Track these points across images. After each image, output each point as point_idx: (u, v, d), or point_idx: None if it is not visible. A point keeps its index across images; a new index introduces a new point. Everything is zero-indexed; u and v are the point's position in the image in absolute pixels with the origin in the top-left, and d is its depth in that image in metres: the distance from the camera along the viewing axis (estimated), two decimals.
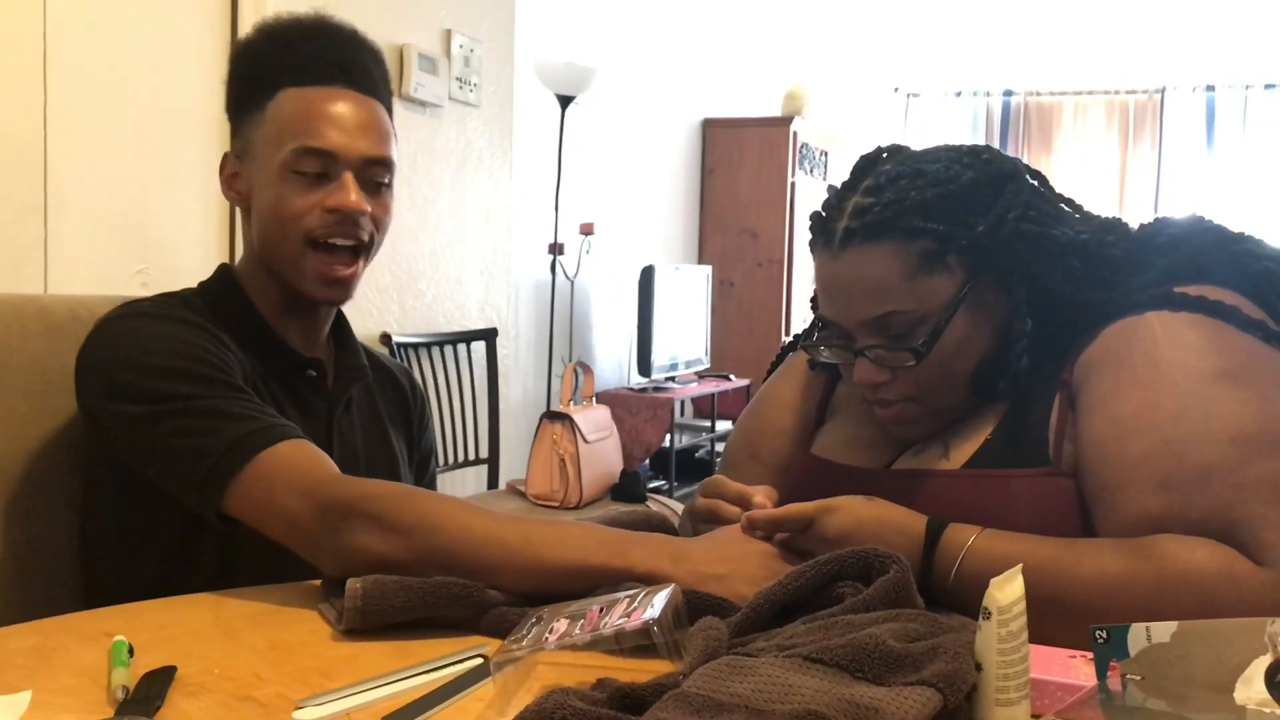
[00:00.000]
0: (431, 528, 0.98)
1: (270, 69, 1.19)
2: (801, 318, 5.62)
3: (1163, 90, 6.67)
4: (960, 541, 0.96)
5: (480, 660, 0.87)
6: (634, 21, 4.78)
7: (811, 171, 5.91)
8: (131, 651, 0.84)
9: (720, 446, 4.93)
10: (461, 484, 3.54)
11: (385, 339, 3.12)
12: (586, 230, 4.27)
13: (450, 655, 0.87)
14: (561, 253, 4.07)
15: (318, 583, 1.03)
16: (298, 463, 1.03)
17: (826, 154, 6.17)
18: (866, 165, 1.12)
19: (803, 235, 5.65)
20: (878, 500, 1.01)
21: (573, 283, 4.26)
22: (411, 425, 1.43)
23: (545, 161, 4.08)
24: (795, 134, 5.59)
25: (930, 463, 1.10)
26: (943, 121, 7.07)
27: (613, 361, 4.76)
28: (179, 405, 1.05)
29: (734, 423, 4.95)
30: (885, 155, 1.12)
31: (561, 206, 4.03)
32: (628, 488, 3.28)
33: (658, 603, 0.81)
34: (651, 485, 4.04)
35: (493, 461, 3.47)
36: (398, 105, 3.25)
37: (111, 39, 2.31)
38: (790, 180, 5.56)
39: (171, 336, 1.10)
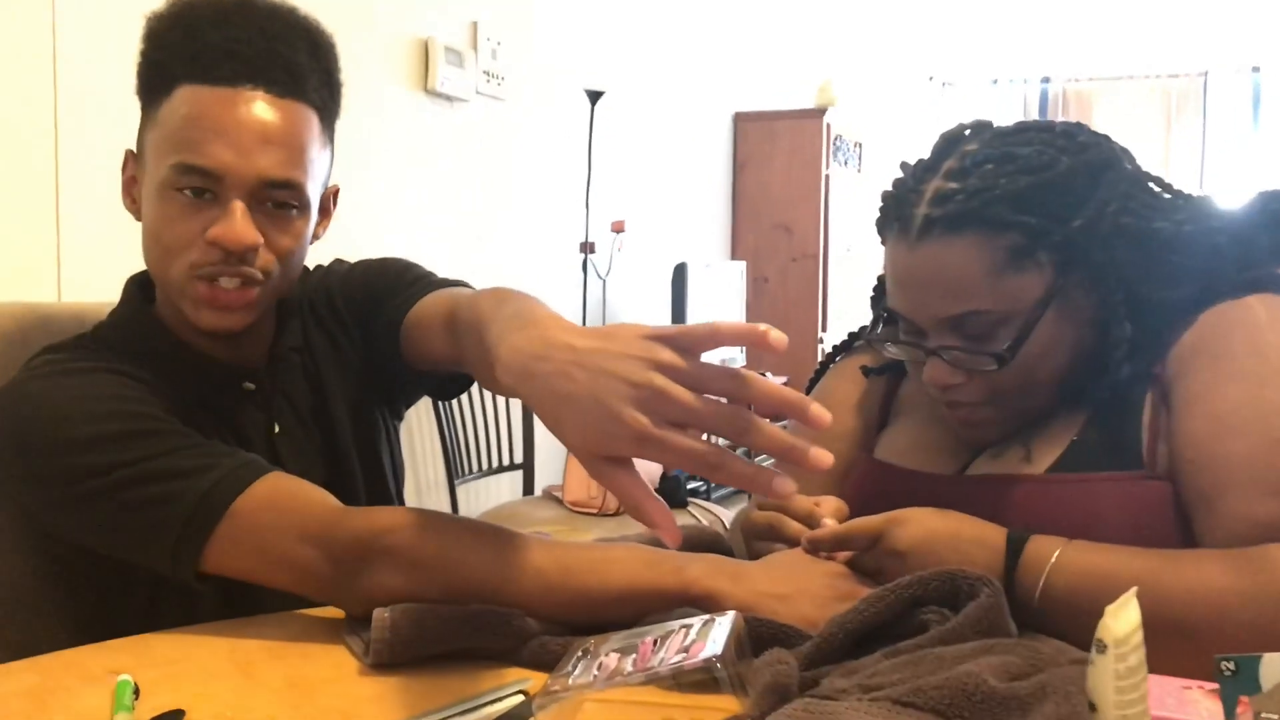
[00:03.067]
0: (458, 562, 0.88)
1: (170, 58, 0.99)
2: (838, 313, 5.51)
3: (1206, 73, 6.49)
4: (1046, 555, 0.86)
5: (522, 698, 0.78)
6: (663, 15, 4.68)
7: (845, 164, 5.79)
8: (137, 692, 0.76)
9: None
10: (496, 491, 3.47)
11: None
12: (618, 228, 4.18)
13: (488, 693, 0.78)
14: (593, 251, 3.99)
15: (343, 613, 0.95)
16: (282, 504, 0.92)
17: (860, 146, 6.05)
18: (948, 145, 1.02)
19: (838, 230, 5.58)
20: (950, 512, 0.92)
21: (604, 281, 4.18)
22: (350, 346, 1.18)
23: (575, 158, 3.99)
24: (828, 126, 5.47)
25: (1010, 467, 1.00)
26: (979, 110, 6.91)
27: None
28: (120, 476, 0.90)
29: (772, 421, 4.86)
30: (969, 133, 1.02)
31: (592, 204, 3.94)
32: (668, 492, 3.19)
33: (718, 634, 0.72)
34: (690, 486, 3.95)
35: (528, 467, 3.39)
36: (423, 100, 3.19)
37: (124, 41, 2.25)
38: (824, 173, 5.44)
39: (84, 396, 0.94)
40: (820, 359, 1.29)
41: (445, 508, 2.63)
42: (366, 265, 1.21)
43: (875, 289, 1.14)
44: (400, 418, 1.29)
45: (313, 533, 0.90)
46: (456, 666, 0.84)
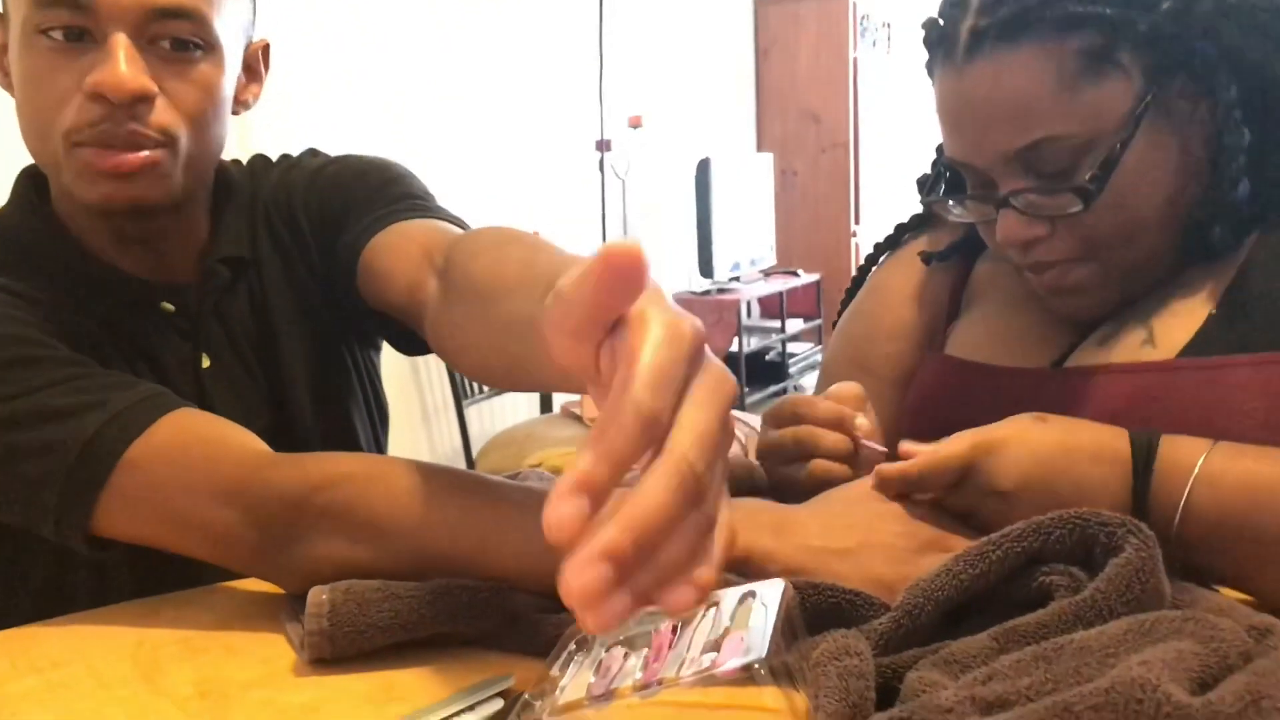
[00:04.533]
0: (418, 525, 0.67)
1: None
2: (871, 205, 5.23)
3: None
4: (1187, 463, 0.65)
5: (500, 703, 0.58)
6: None
7: (875, 45, 5.45)
8: None
9: (793, 348, 4.62)
10: (510, 411, 3.27)
11: None
12: (635, 124, 3.92)
13: (456, 697, 0.59)
14: (609, 149, 3.74)
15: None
16: (191, 451, 0.71)
17: (889, 25, 5.69)
18: None
19: (870, 116, 5.27)
20: (1052, 418, 0.70)
21: (624, 182, 3.93)
22: (307, 266, 0.95)
23: (586, 49, 3.71)
24: (854, 6, 5.14)
25: (1126, 353, 0.78)
26: None
27: (672, 264, 4.43)
28: None
29: (804, 321, 4.58)
30: None
31: (606, 99, 3.67)
32: None
33: (761, 619, 0.51)
34: None
35: None
36: None
37: None
38: (852, 56, 5.13)
39: None
40: (865, 255, 1.06)
41: (452, 432, 2.43)
42: (343, 165, 0.96)
43: (936, 156, 0.92)
44: (378, 349, 1.06)
45: (229, 488, 0.70)
46: (418, 659, 0.64)
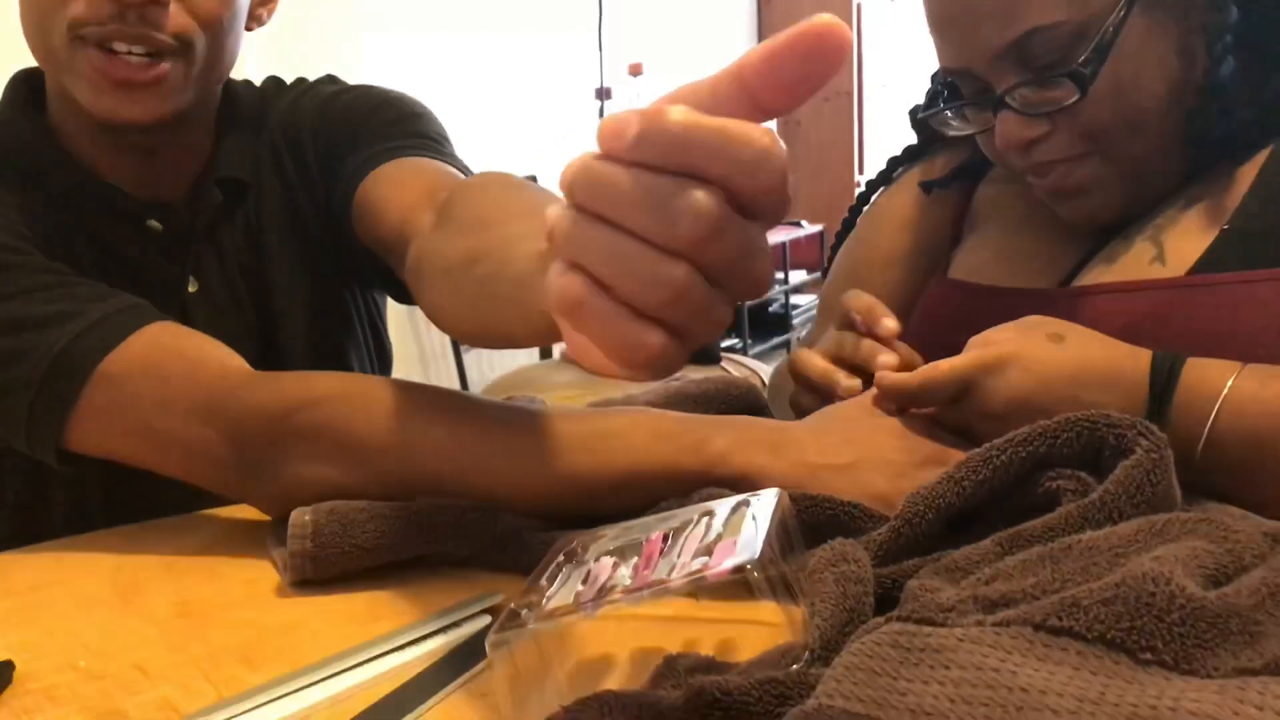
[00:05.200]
0: (402, 444, 0.65)
1: None
2: (875, 155, 5.17)
3: None
4: (1212, 387, 0.62)
5: (488, 619, 0.57)
6: None
7: None
8: None
9: (796, 300, 4.58)
10: (512, 354, 3.24)
11: None
12: (635, 71, 3.85)
13: (441, 614, 0.57)
14: (609, 98, 3.68)
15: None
16: (167, 365, 0.68)
17: None
18: None
19: (873, 65, 5.18)
20: (1070, 332, 0.67)
21: None
22: (309, 197, 0.91)
23: None
24: None
25: (1135, 270, 0.76)
26: None
27: None
28: None
29: (808, 272, 4.53)
30: None
31: (605, 46, 3.61)
32: (700, 349, 2.95)
33: (754, 525, 0.49)
34: (725, 345, 3.73)
35: None
36: None
37: None
38: (855, 3, 5.04)
39: None
40: (858, 194, 1.03)
41: (451, 377, 2.40)
42: (359, 94, 0.91)
43: (932, 84, 0.89)
44: (384, 293, 1.01)
45: (206, 405, 0.67)
46: (403, 579, 0.62)
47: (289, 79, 0.96)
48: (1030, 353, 0.65)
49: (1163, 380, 0.63)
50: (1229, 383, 0.61)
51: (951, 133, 0.83)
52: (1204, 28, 0.73)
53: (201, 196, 0.87)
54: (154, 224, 0.85)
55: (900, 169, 1.01)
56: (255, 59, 0.98)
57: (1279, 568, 0.43)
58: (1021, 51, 0.73)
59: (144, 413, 0.68)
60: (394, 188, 0.80)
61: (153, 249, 0.85)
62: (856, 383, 0.72)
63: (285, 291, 0.91)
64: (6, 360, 0.68)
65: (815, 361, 0.74)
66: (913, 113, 0.96)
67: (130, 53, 0.74)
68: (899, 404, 0.67)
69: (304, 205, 0.91)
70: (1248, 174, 0.76)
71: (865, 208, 1.03)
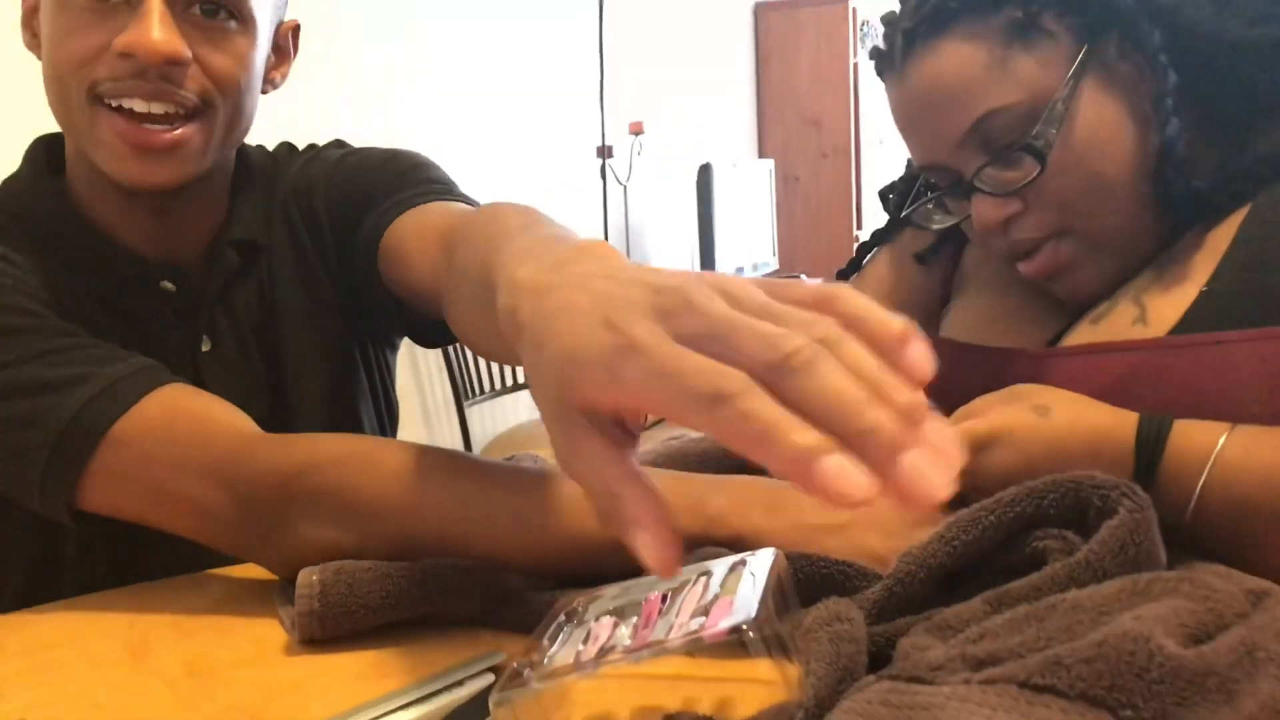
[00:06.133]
0: (407, 506, 0.67)
1: None
2: (873, 210, 5.23)
3: None
4: (1200, 451, 0.63)
5: (491, 677, 0.58)
6: None
7: None
8: None
9: None
10: (511, 412, 3.26)
11: None
12: (636, 130, 3.91)
13: (446, 673, 0.58)
14: (610, 155, 3.74)
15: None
16: (179, 427, 0.71)
17: None
18: None
19: (870, 121, 5.26)
20: (1055, 400, 0.68)
21: (625, 188, 3.93)
22: (321, 258, 0.93)
23: (586, 55, 3.72)
24: (854, 11, 5.14)
25: (1119, 330, 0.78)
26: None
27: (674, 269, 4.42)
28: None
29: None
30: None
31: (607, 105, 3.68)
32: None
33: (750, 586, 0.51)
34: None
35: None
36: None
37: None
38: (852, 61, 5.13)
39: None
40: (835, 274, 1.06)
41: (454, 433, 2.42)
42: (365, 155, 0.94)
43: (905, 170, 0.93)
44: (395, 349, 1.04)
45: (216, 466, 0.69)
46: (409, 638, 0.63)
47: (298, 141, 0.99)
48: (1017, 429, 0.67)
49: (1150, 446, 0.65)
50: (1217, 446, 0.63)
51: (936, 226, 0.87)
52: (1150, 94, 0.76)
53: (216, 259, 0.89)
54: (168, 285, 0.87)
55: (871, 253, 1.03)
56: (268, 121, 1.01)
57: (1259, 626, 0.44)
58: (982, 135, 0.77)
59: (156, 474, 0.70)
60: (416, 235, 0.82)
61: (167, 310, 0.87)
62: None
63: (298, 351, 0.93)
64: (23, 423, 0.70)
65: None
66: (883, 194, 1.00)
67: (150, 114, 0.77)
68: None
69: (316, 266, 0.93)
70: (1225, 234, 0.78)
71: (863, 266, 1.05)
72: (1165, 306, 0.76)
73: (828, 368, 0.35)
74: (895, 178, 1.00)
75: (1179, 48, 0.76)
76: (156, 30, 0.75)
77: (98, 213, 0.85)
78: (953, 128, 0.78)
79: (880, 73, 0.84)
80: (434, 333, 0.92)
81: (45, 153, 0.87)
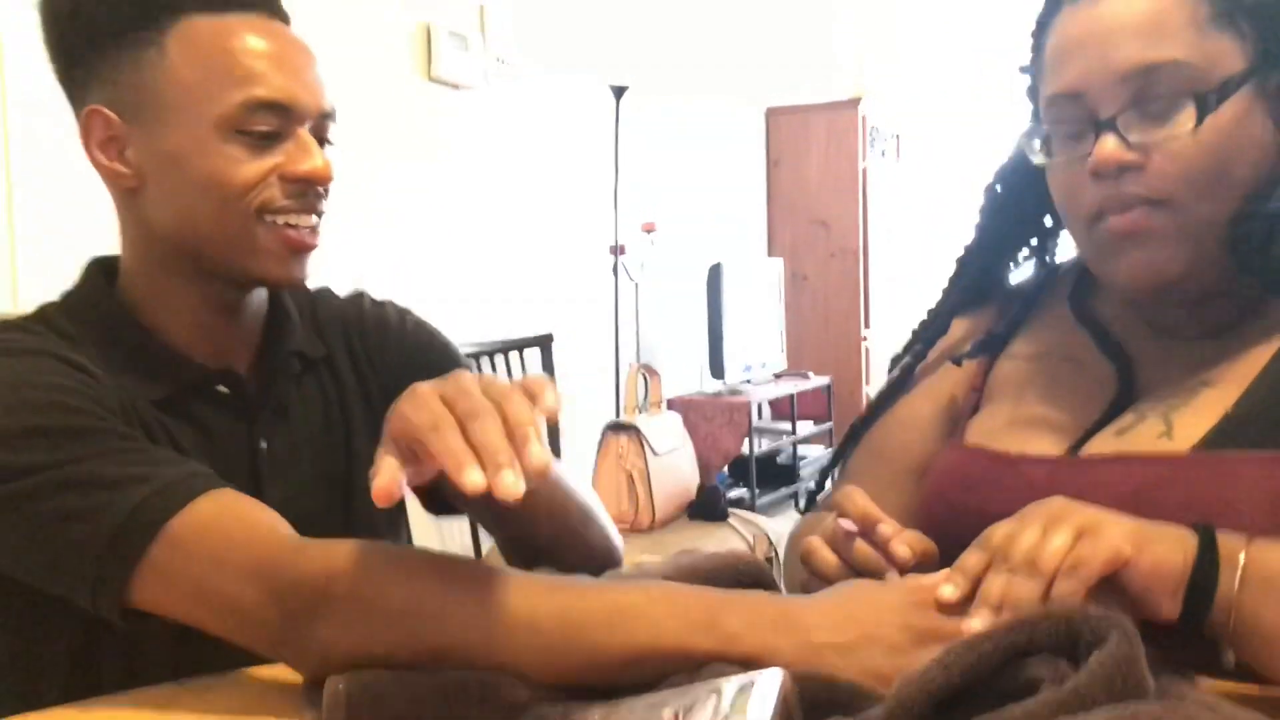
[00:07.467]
0: (431, 614, 0.70)
1: None
2: (881, 309, 5.30)
3: None
4: (1230, 558, 0.68)
5: None
6: (686, 9, 4.51)
7: (884, 155, 5.58)
8: None
9: (803, 450, 4.63)
10: None
11: None
12: (648, 229, 4.00)
13: None
14: (623, 254, 3.81)
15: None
16: (228, 529, 0.75)
17: (899, 136, 5.83)
18: None
19: (878, 222, 5.35)
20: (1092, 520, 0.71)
21: (637, 285, 4.00)
22: (393, 377, 1.02)
23: (601, 157, 3.82)
24: (864, 118, 5.27)
25: (1145, 443, 0.81)
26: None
27: (684, 366, 4.48)
28: (42, 480, 0.75)
29: (815, 424, 4.54)
30: None
31: (621, 205, 3.77)
32: (706, 505, 2.96)
33: (759, 705, 0.54)
34: (732, 496, 3.75)
35: None
36: (426, 86, 3.05)
37: None
38: (861, 166, 5.25)
39: (16, 382, 0.79)
40: (891, 360, 1.11)
41: (464, 534, 2.45)
42: (427, 330, 1.08)
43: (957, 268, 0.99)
44: None
45: (257, 568, 0.73)
46: None
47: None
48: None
49: (1206, 554, 0.68)
50: (1242, 555, 0.67)
51: (1034, 158, 0.89)
52: None
53: (274, 365, 0.97)
54: (222, 389, 0.94)
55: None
56: None
57: None
58: (1144, 80, 0.80)
59: (202, 573, 0.74)
60: None
61: (224, 412, 0.94)
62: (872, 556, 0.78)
63: (357, 449, 0.99)
64: (80, 517, 0.75)
65: (829, 558, 0.80)
66: (895, 359, 1.05)
67: (299, 225, 0.89)
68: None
69: (375, 392, 1.02)
70: (1262, 356, 0.82)
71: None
72: (1192, 425, 0.80)
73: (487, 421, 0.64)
74: (926, 278, 1.05)
75: None
76: (320, 159, 0.88)
77: (159, 321, 0.92)
78: (1126, 62, 0.81)
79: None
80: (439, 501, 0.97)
81: (101, 270, 0.95)
